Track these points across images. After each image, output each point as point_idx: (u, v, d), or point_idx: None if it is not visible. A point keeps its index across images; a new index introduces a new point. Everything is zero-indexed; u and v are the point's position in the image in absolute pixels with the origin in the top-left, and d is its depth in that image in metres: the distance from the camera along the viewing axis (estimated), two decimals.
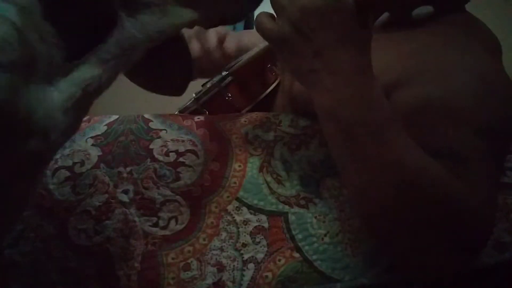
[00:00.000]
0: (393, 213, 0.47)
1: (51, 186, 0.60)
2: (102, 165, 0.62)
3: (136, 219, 0.59)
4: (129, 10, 0.45)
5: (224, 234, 0.58)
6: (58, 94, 0.42)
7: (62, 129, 0.43)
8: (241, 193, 0.61)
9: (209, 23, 0.53)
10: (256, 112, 0.68)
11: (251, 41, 0.81)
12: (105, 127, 0.66)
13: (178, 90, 0.59)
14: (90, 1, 0.43)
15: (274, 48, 0.52)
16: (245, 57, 0.76)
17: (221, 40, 0.83)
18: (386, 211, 0.48)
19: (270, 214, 0.59)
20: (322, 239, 0.58)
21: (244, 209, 0.60)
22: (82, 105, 0.45)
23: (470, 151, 0.50)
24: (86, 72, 0.43)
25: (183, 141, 0.64)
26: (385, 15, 0.64)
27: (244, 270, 0.57)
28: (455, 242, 0.47)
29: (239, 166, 0.62)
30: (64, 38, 0.41)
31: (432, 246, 0.47)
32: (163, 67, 0.48)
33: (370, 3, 0.46)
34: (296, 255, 0.57)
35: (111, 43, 0.44)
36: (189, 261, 0.57)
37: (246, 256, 0.57)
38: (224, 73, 0.74)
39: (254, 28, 0.52)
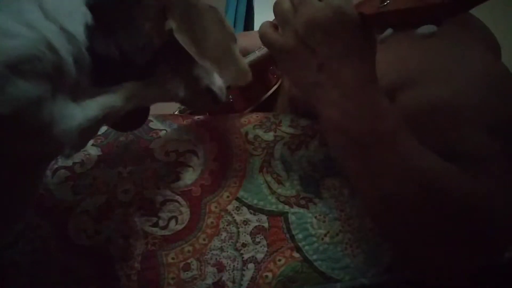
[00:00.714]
0: (416, 219, 0.47)
1: (51, 186, 0.60)
2: (102, 165, 0.62)
3: (136, 219, 0.59)
4: (164, 72, 0.51)
5: (224, 234, 0.58)
6: (82, 112, 0.44)
7: (75, 144, 0.45)
8: (241, 193, 0.61)
9: (185, 104, 0.65)
10: (256, 112, 0.68)
11: (250, 44, 0.81)
12: (105, 127, 0.66)
13: (129, 130, 0.64)
14: (135, 46, 0.47)
15: (276, 58, 0.52)
16: (247, 59, 0.76)
17: None
18: (409, 218, 0.47)
19: (270, 214, 0.59)
20: (322, 239, 0.58)
21: (244, 209, 0.60)
22: (96, 127, 0.48)
23: (484, 151, 0.49)
24: (112, 101, 0.46)
25: (183, 141, 0.64)
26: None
27: (244, 270, 0.57)
28: (481, 243, 0.46)
29: (239, 166, 0.62)
30: (98, 69, 0.44)
31: (449, 248, 0.47)
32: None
33: (375, 18, 0.46)
34: (296, 255, 0.57)
35: (141, 86, 0.49)
36: (189, 261, 0.57)
37: (246, 256, 0.57)
38: None
39: (257, 32, 0.53)
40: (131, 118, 0.54)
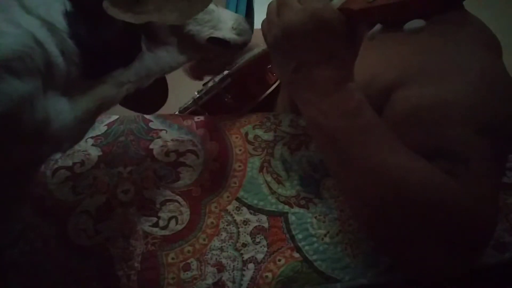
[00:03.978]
0: (383, 215, 0.47)
1: (51, 186, 0.60)
2: (102, 165, 0.62)
3: (136, 219, 0.59)
4: (150, 45, 0.50)
5: (224, 234, 0.58)
6: (75, 106, 0.44)
7: (73, 138, 0.45)
8: (241, 193, 0.61)
9: (202, 66, 0.66)
10: (256, 112, 0.68)
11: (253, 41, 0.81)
12: (105, 127, 0.66)
13: (152, 111, 0.64)
14: (115, 30, 0.47)
15: (270, 52, 0.54)
16: (245, 57, 0.76)
17: None
18: (375, 213, 0.48)
19: (270, 214, 0.59)
20: (322, 239, 0.58)
21: (244, 209, 0.60)
22: (92, 119, 0.48)
23: (471, 150, 0.49)
24: (104, 91, 0.46)
25: (183, 141, 0.64)
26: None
27: (244, 270, 0.56)
28: (450, 243, 0.46)
29: (239, 166, 0.62)
30: (85, 57, 0.44)
31: (425, 247, 0.47)
32: (143, 92, 0.53)
33: (364, 13, 0.46)
34: (296, 255, 0.57)
35: (130, 70, 0.48)
36: (189, 261, 0.57)
37: (246, 256, 0.57)
38: (224, 73, 0.74)
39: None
40: (152, 98, 0.54)
